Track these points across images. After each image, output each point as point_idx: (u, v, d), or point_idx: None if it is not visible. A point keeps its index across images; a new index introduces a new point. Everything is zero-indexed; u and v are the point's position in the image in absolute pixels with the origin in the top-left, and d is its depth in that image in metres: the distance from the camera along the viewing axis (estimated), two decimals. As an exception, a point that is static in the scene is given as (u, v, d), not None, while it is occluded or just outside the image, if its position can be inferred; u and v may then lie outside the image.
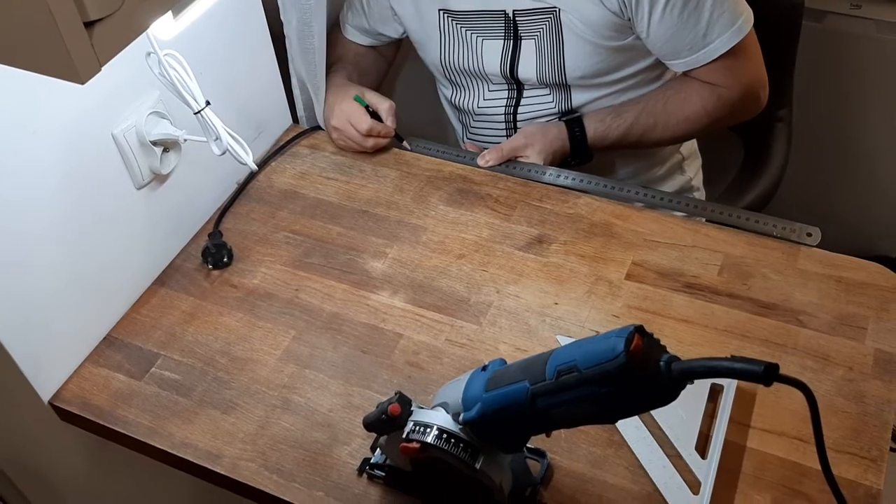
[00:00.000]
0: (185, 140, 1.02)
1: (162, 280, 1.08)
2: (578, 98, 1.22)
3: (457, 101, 1.33)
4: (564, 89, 1.22)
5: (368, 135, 1.21)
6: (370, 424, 0.78)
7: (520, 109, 1.27)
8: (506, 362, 0.75)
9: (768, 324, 0.96)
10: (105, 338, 1.02)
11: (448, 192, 1.17)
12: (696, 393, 0.88)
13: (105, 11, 0.54)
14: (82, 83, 0.54)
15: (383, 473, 0.85)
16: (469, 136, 1.37)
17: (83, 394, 0.96)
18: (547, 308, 1.00)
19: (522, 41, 1.18)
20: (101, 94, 0.93)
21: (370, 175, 1.21)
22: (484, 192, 1.16)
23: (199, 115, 0.95)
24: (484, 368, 0.75)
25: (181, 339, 1.01)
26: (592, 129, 1.20)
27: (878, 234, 1.91)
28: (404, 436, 0.75)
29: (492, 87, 1.26)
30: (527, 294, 1.02)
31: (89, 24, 0.53)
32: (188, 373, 0.97)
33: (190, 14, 0.89)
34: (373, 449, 0.87)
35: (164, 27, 0.87)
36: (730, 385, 0.89)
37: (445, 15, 1.21)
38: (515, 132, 1.27)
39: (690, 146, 1.38)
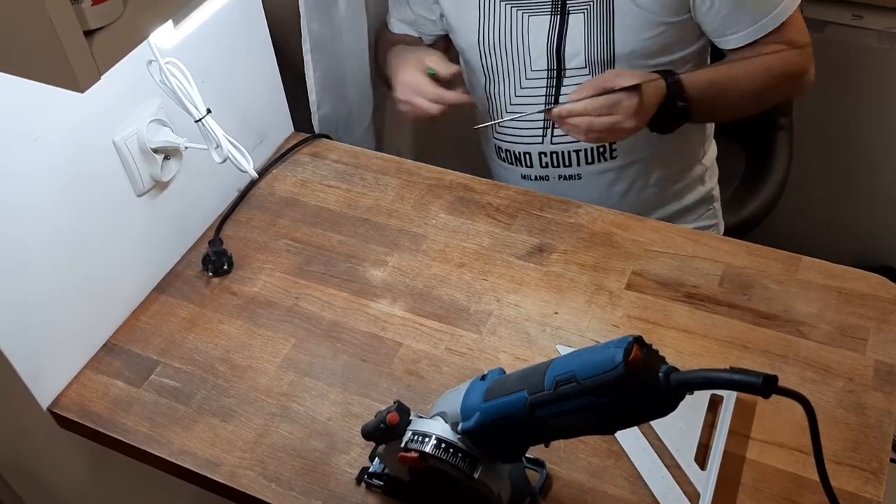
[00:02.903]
0: (186, 148, 1.02)
1: (162, 287, 1.08)
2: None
3: (491, 91, 1.26)
4: (610, 69, 1.16)
5: (437, 102, 1.16)
6: (369, 433, 0.78)
7: (563, 92, 1.20)
8: (505, 372, 0.75)
9: (769, 334, 0.95)
10: (104, 344, 1.02)
11: (449, 200, 1.17)
12: (695, 404, 0.88)
13: (105, 20, 0.54)
14: (82, 92, 0.54)
15: (382, 482, 0.85)
16: (497, 135, 1.30)
17: (82, 401, 0.96)
18: (547, 317, 1.00)
19: (570, 15, 1.14)
20: (102, 102, 0.94)
21: (371, 183, 1.21)
22: (485, 201, 1.16)
23: (199, 122, 0.95)
24: (483, 378, 0.75)
25: (181, 347, 1.01)
26: (684, 77, 1.12)
27: (879, 244, 1.91)
28: (403, 445, 0.75)
29: (530, 73, 1.20)
30: (527, 303, 1.02)
31: (89, 33, 0.53)
32: (187, 380, 0.97)
33: (191, 22, 0.89)
34: (371, 458, 0.87)
35: (166, 35, 0.87)
36: (729, 396, 0.89)
37: None
38: (552, 130, 1.22)
39: (711, 157, 1.36)
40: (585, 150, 1.23)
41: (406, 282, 1.06)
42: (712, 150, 1.37)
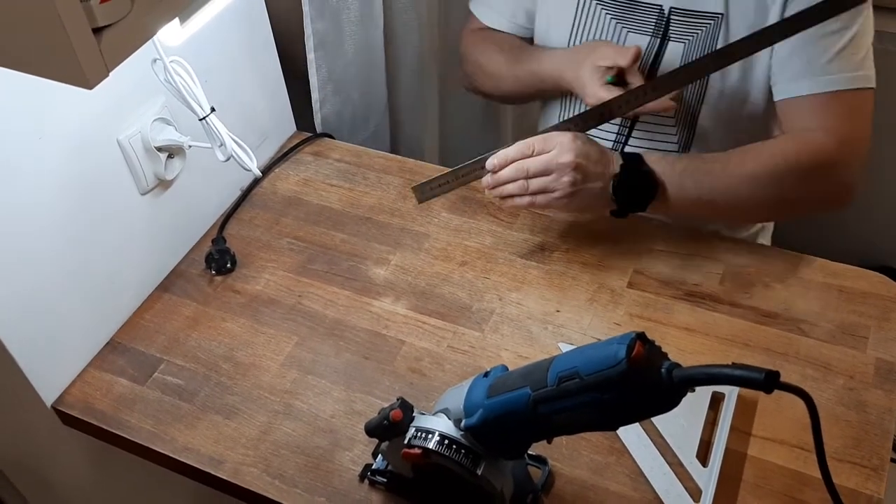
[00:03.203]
0: (190, 146, 1.02)
1: (165, 285, 1.09)
2: (702, 128, 1.11)
3: (566, 105, 1.20)
4: (695, 109, 1.10)
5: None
6: (372, 430, 0.78)
7: (637, 125, 1.14)
8: (508, 369, 0.75)
9: (770, 332, 0.96)
10: (108, 342, 1.02)
11: (451, 199, 1.17)
12: (697, 401, 0.88)
13: (113, 18, 0.54)
14: (90, 88, 0.54)
15: (385, 479, 0.85)
16: None
17: (86, 398, 0.96)
18: (549, 315, 1.00)
19: (670, 42, 1.08)
20: (106, 101, 0.94)
21: (373, 182, 1.21)
22: (486, 200, 1.17)
23: (204, 121, 0.95)
24: (486, 375, 0.75)
25: (184, 345, 1.01)
26: (654, 157, 1.00)
27: (880, 245, 1.91)
28: (406, 441, 0.75)
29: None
30: (529, 301, 1.02)
31: (98, 31, 0.54)
32: (191, 378, 0.97)
33: (195, 21, 0.89)
34: (374, 455, 0.87)
35: (170, 34, 0.87)
36: (731, 393, 0.89)
37: None
38: (622, 151, 1.10)
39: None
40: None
41: (408, 280, 1.06)
42: None
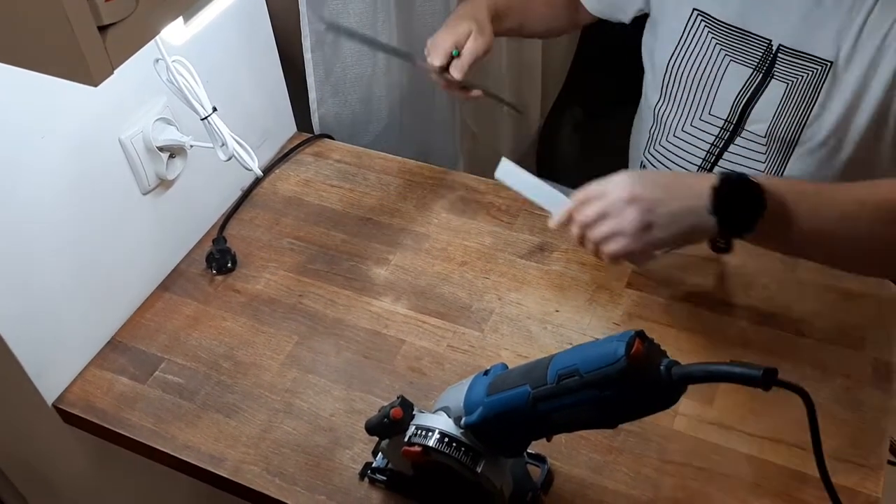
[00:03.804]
0: (192, 146, 1.03)
1: (166, 285, 1.09)
2: (796, 165, 1.05)
3: (662, 112, 1.16)
4: (787, 150, 1.05)
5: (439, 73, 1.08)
6: (372, 428, 0.79)
7: (725, 155, 1.10)
8: (507, 367, 0.76)
9: (768, 333, 0.96)
10: (109, 341, 1.02)
11: (451, 200, 1.18)
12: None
13: (118, 16, 0.55)
14: (95, 86, 0.55)
15: (385, 477, 0.85)
16: (652, 150, 1.20)
17: (87, 396, 0.97)
18: (548, 315, 1.01)
19: (773, 79, 1.03)
20: (109, 100, 0.94)
21: (374, 183, 1.22)
22: (486, 201, 1.17)
23: (205, 121, 0.96)
24: (486, 373, 0.76)
25: (185, 344, 1.01)
26: (760, 176, 0.87)
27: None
28: (406, 439, 0.75)
29: (706, 115, 1.10)
30: (528, 301, 1.03)
31: (103, 28, 0.54)
32: (191, 377, 0.98)
33: (198, 21, 0.90)
34: (374, 453, 0.87)
35: (173, 33, 0.88)
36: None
37: (699, 16, 1.06)
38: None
39: None
40: None
41: (408, 280, 1.07)
42: None
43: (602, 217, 0.88)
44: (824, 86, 0.99)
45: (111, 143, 0.97)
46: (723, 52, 1.05)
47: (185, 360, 0.99)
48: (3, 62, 0.57)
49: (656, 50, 1.13)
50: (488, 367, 0.76)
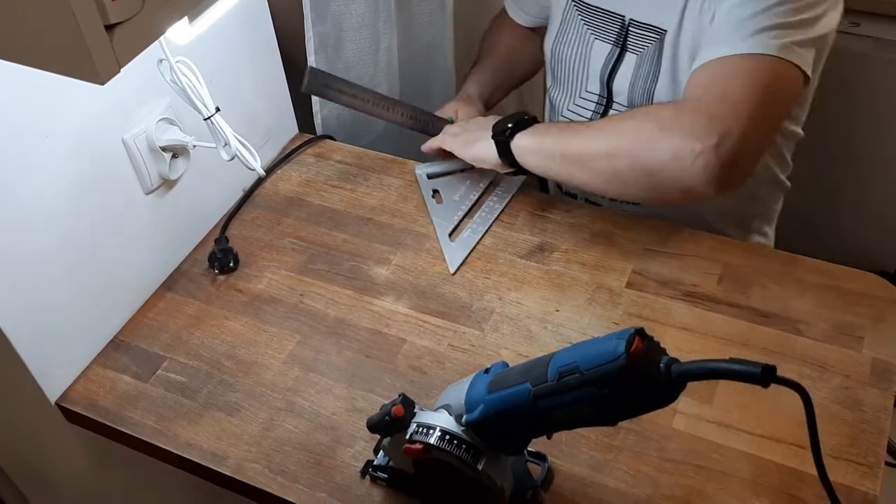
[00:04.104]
0: (195, 146, 1.04)
1: (169, 284, 1.09)
2: None
3: (553, 95, 1.29)
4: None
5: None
6: (374, 426, 0.79)
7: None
8: (508, 365, 0.76)
9: (767, 332, 0.97)
10: (112, 340, 1.03)
11: (451, 200, 1.18)
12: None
13: (125, 15, 0.56)
14: (102, 84, 0.56)
15: (386, 475, 0.86)
16: None
17: (90, 395, 0.97)
18: (548, 315, 1.01)
19: (627, 53, 1.13)
20: (112, 100, 0.95)
21: (375, 183, 1.22)
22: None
23: (208, 121, 0.96)
24: (486, 371, 0.76)
25: (187, 343, 1.02)
26: (535, 126, 1.07)
27: (876, 249, 1.93)
28: (407, 437, 0.76)
29: (585, 93, 1.21)
30: (528, 301, 1.03)
31: (110, 27, 0.55)
32: (194, 375, 0.98)
33: (202, 22, 0.90)
34: (375, 451, 0.88)
35: (177, 33, 0.89)
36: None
37: (572, 4, 1.18)
38: None
39: (763, 237, 1.28)
40: None
41: (409, 280, 1.07)
42: (765, 234, 1.28)
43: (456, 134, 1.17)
44: (663, 55, 1.07)
45: (114, 143, 0.98)
46: (589, 32, 1.17)
47: (187, 359, 1.00)
48: (10, 60, 0.58)
49: (546, 40, 1.26)
50: (489, 366, 0.77)
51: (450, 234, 1.13)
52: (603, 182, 1.01)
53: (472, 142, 1.14)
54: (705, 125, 0.88)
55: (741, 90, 0.90)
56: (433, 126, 1.24)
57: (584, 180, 1.02)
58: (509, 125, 1.08)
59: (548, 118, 1.34)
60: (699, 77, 0.96)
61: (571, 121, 1.19)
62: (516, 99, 1.67)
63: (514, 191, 1.18)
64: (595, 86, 1.19)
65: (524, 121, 1.08)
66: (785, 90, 0.94)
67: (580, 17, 1.17)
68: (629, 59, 1.13)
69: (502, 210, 1.16)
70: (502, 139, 1.08)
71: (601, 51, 1.16)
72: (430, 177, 1.23)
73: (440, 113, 1.26)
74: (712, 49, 0.95)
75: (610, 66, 1.16)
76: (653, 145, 0.92)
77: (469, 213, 1.16)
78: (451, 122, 1.25)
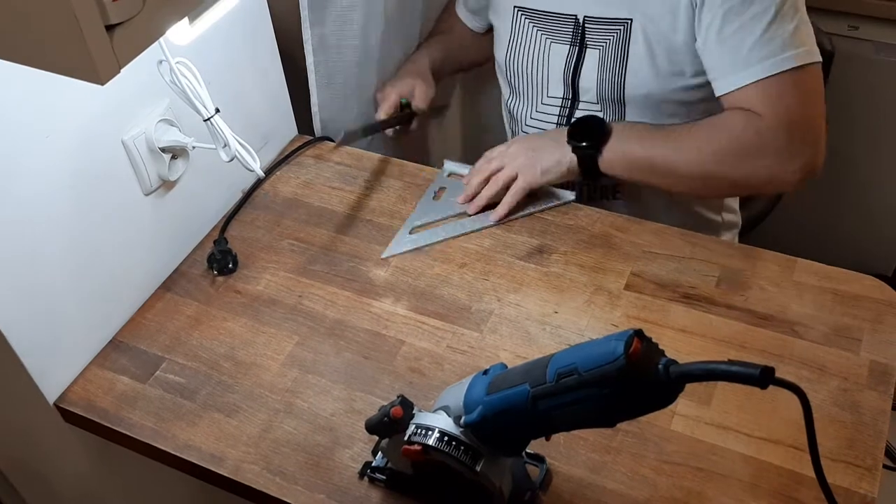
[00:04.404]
0: (194, 147, 1.04)
1: (168, 285, 1.09)
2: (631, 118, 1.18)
3: (512, 106, 1.31)
4: (619, 109, 1.17)
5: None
6: (372, 427, 0.79)
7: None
8: (507, 367, 0.76)
9: (765, 334, 0.97)
10: (111, 341, 1.03)
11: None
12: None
13: (125, 16, 0.56)
14: (102, 84, 0.56)
15: (384, 477, 0.86)
16: None
17: (88, 396, 0.97)
18: (547, 317, 1.01)
19: (588, 49, 1.16)
20: (112, 101, 0.95)
21: (374, 185, 1.23)
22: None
23: (208, 122, 0.96)
24: (485, 372, 0.76)
25: (186, 344, 1.02)
26: (616, 134, 1.10)
27: (874, 252, 1.93)
28: (406, 438, 0.76)
29: (547, 98, 1.24)
30: (527, 303, 1.03)
31: (110, 28, 0.55)
32: (192, 376, 0.98)
33: (202, 23, 0.91)
34: (374, 452, 0.88)
35: (177, 34, 0.89)
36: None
37: (520, 12, 1.20)
38: None
39: (732, 214, 1.32)
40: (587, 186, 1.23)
41: (408, 281, 1.07)
42: (732, 209, 1.33)
43: (501, 167, 1.15)
44: (630, 44, 1.11)
45: (114, 144, 0.98)
46: (543, 36, 1.19)
47: (185, 360, 1.00)
48: (10, 60, 0.58)
49: (496, 51, 1.28)
50: (488, 367, 0.77)
51: (412, 230, 1.14)
52: (690, 192, 1.17)
53: (547, 164, 1.13)
54: (793, 148, 1.03)
55: (803, 106, 1.04)
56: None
57: (668, 187, 1.13)
58: (583, 142, 1.10)
59: (508, 129, 1.37)
60: (749, 97, 1.03)
61: (652, 124, 1.13)
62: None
63: (543, 207, 1.16)
64: (558, 89, 1.22)
65: (599, 129, 1.10)
66: (821, 84, 1.05)
67: (531, 23, 1.20)
68: (591, 56, 1.16)
69: (491, 226, 1.14)
70: (590, 153, 1.10)
71: (560, 53, 1.18)
72: (450, 175, 1.23)
73: (391, 85, 1.30)
74: (747, 72, 1.03)
75: (572, 66, 1.18)
76: (746, 169, 1.05)
77: (451, 217, 1.16)
78: (406, 104, 1.28)
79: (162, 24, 0.59)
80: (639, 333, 0.65)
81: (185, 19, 0.69)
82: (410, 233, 1.14)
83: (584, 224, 1.13)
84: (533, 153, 1.14)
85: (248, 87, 1.18)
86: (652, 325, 0.99)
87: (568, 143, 1.11)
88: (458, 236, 1.13)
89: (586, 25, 1.15)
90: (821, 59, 1.03)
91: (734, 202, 1.34)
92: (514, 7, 1.21)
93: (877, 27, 1.65)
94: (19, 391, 0.96)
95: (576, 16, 1.15)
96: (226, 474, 0.88)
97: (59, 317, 0.95)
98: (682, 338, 0.98)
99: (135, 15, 0.56)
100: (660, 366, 0.64)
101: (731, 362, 0.62)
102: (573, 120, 1.13)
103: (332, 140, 1.33)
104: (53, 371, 0.96)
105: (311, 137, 1.32)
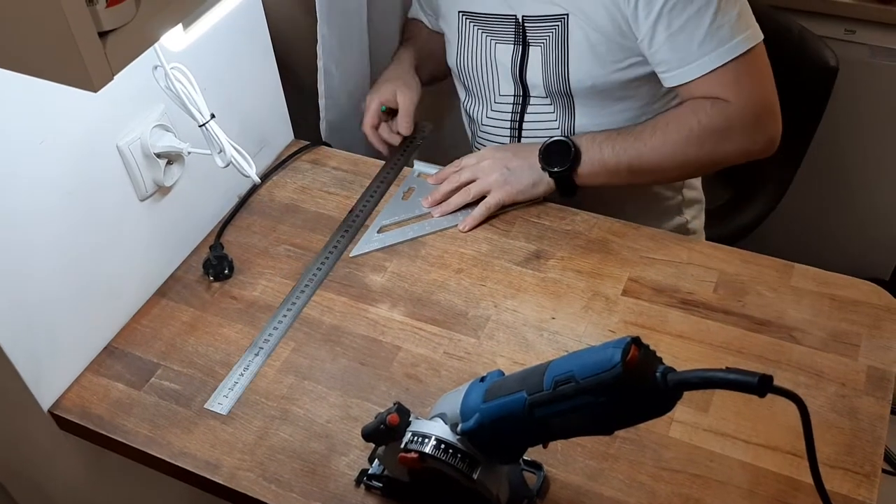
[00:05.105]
0: (189, 153, 1.03)
1: (163, 291, 1.09)
2: (582, 114, 1.20)
3: (468, 107, 1.33)
4: (568, 102, 1.19)
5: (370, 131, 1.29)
6: (369, 434, 0.79)
7: (526, 118, 1.25)
8: (504, 374, 0.76)
9: (762, 340, 0.97)
10: (106, 347, 1.02)
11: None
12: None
13: (118, 22, 0.55)
14: (95, 91, 0.55)
15: (381, 484, 0.85)
16: (476, 145, 1.36)
17: (83, 403, 0.97)
18: (544, 322, 1.01)
19: (530, 48, 1.18)
20: (107, 107, 0.95)
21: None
22: (483, 208, 1.17)
23: (203, 127, 0.96)
24: (482, 379, 0.76)
25: (181, 350, 1.01)
26: (577, 135, 1.15)
27: (871, 257, 1.93)
28: (402, 446, 0.75)
29: (499, 97, 1.26)
30: (524, 308, 1.03)
31: (103, 34, 0.55)
32: (188, 383, 0.98)
33: (197, 29, 0.90)
34: (370, 460, 0.87)
35: (172, 40, 0.88)
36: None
37: (464, 16, 1.23)
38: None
39: (692, 190, 1.33)
40: None
41: (405, 287, 1.07)
42: (692, 186, 1.34)
43: (472, 179, 1.18)
44: (569, 38, 1.14)
45: (109, 150, 0.97)
46: (488, 38, 1.22)
47: (181, 367, 0.99)
48: (2, 67, 0.58)
49: (448, 57, 1.31)
50: (485, 374, 0.76)
51: (380, 229, 1.15)
52: (671, 181, 1.27)
53: (522, 186, 1.16)
54: (756, 125, 1.09)
55: (758, 86, 1.08)
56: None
57: (651, 182, 1.22)
58: (555, 168, 1.13)
59: (468, 129, 1.38)
60: (707, 86, 1.08)
61: (616, 129, 1.15)
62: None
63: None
64: (508, 86, 1.24)
65: (570, 149, 1.13)
66: (766, 58, 1.09)
67: (475, 26, 1.22)
68: (535, 53, 1.18)
69: (451, 227, 1.15)
70: (564, 173, 1.13)
71: (505, 52, 1.21)
72: (419, 175, 1.25)
73: (372, 93, 1.29)
74: (700, 64, 1.06)
75: (518, 64, 1.21)
76: (721, 150, 1.10)
77: (419, 217, 1.17)
78: (386, 110, 1.28)
79: (155, 31, 0.59)
80: (636, 341, 0.64)
81: (180, 25, 0.69)
82: (378, 232, 1.14)
83: (582, 229, 1.13)
84: (508, 172, 1.16)
85: (244, 92, 1.18)
86: (649, 330, 0.99)
87: (543, 169, 1.14)
88: (426, 235, 1.14)
89: (526, 24, 1.17)
90: (762, 36, 1.07)
91: (696, 180, 1.36)
92: (459, 12, 1.23)
93: (873, 31, 1.66)
94: (13, 398, 0.95)
95: (515, 16, 1.18)
96: (221, 482, 0.88)
97: (53, 323, 0.94)
98: (680, 343, 0.97)
99: (128, 22, 0.56)
100: (657, 373, 0.63)
101: (729, 370, 0.62)
102: (544, 145, 1.15)
103: (329, 145, 1.33)
104: (48, 378, 0.96)
105: (308, 142, 1.31)
